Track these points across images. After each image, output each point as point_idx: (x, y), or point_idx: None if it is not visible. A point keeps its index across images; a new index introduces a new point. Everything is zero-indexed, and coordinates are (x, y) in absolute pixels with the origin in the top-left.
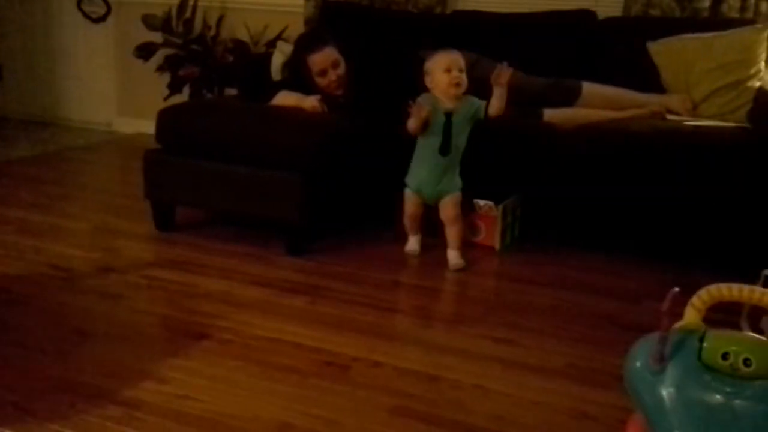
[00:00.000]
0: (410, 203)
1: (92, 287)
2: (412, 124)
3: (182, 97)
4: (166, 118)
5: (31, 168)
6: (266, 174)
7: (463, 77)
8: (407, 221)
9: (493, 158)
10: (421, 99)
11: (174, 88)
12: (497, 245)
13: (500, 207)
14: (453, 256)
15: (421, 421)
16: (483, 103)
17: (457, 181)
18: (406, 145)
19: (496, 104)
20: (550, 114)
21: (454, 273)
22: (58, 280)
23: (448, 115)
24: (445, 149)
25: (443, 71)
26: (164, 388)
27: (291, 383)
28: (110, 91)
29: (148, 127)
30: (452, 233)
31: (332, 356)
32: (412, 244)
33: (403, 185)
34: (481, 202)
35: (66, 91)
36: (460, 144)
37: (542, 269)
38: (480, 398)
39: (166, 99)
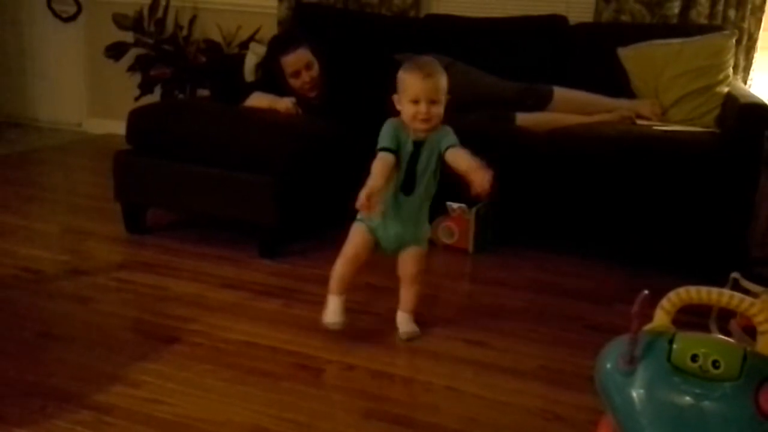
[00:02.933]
0: (358, 242)
1: (62, 290)
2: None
3: (154, 97)
4: (136, 119)
5: (0, 169)
6: (239, 176)
7: (434, 111)
8: (341, 268)
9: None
10: (386, 127)
11: (145, 88)
12: (470, 248)
13: (473, 210)
14: (404, 322)
15: (395, 424)
16: (454, 141)
17: (425, 231)
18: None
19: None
20: (523, 118)
21: (427, 276)
22: (26, 282)
23: (418, 145)
24: (408, 186)
25: (410, 101)
26: (135, 392)
27: (264, 387)
28: (81, 91)
29: (119, 127)
30: (408, 295)
31: (306, 359)
32: (333, 312)
33: (356, 214)
34: (455, 205)
35: (36, 91)
36: (428, 182)
37: (515, 272)
38: (452, 400)
39: (137, 99)
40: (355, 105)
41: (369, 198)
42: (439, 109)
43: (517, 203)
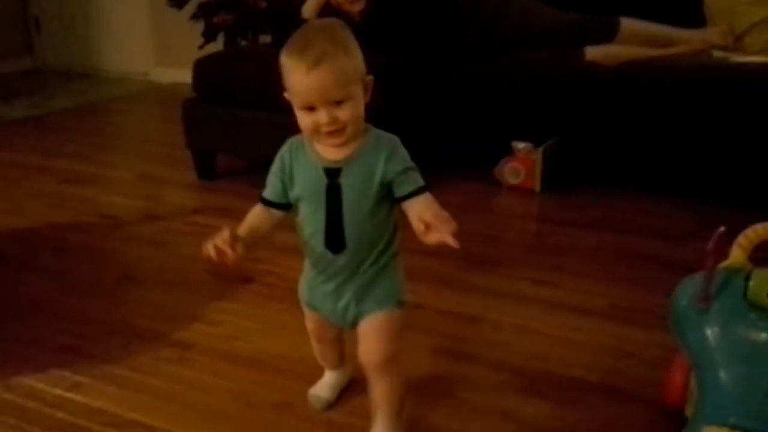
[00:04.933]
0: (307, 317)
1: (139, 234)
2: None
3: (217, 45)
4: (202, 68)
5: (73, 119)
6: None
7: (345, 115)
8: (312, 344)
9: (533, 99)
10: (277, 157)
11: (208, 36)
12: (537, 188)
13: (540, 149)
14: None
15: (463, 361)
16: (404, 168)
17: (389, 289)
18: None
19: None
20: (592, 52)
21: (495, 215)
22: (105, 227)
23: (334, 174)
24: (334, 240)
25: (301, 109)
26: (214, 330)
27: None
28: (146, 41)
29: (186, 76)
30: (380, 390)
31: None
32: (324, 386)
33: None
34: (520, 144)
35: (102, 42)
36: (369, 232)
37: (584, 211)
38: (521, 338)
39: (201, 47)
40: (404, 31)
41: (217, 247)
42: (353, 110)
43: (586, 141)
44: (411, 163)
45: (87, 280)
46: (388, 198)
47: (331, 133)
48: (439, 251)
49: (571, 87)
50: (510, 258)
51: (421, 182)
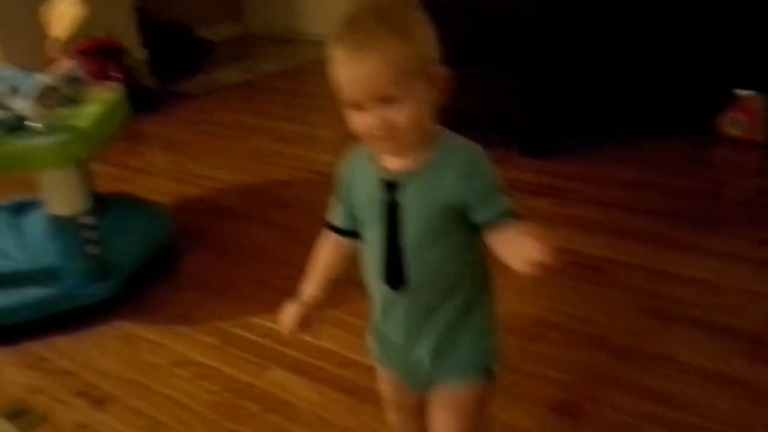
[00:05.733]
0: (380, 379)
1: None
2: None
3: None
4: None
5: (280, 82)
6: (499, 72)
7: (397, 117)
8: (391, 417)
9: (757, 37)
10: (348, 161)
11: None
12: (762, 139)
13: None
14: None
15: (682, 324)
16: (490, 188)
17: (472, 351)
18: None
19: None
20: None
21: (713, 170)
22: (318, 183)
23: (391, 188)
24: (391, 273)
25: (347, 107)
26: None
27: (542, 281)
28: (346, 5)
29: None
30: None
31: (581, 257)
32: None
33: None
34: (743, 92)
35: (305, 7)
36: (433, 263)
37: None
38: (748, 303)
39: None
40: None
41: (289, 321)
42: (411, 111)
43: None
44: (496, 181)
45: (306, 231)
46: (467, 224)
47: (380, 138)
48: (651, 208)
49: None
50: (730, 216)
51: (508, 205)
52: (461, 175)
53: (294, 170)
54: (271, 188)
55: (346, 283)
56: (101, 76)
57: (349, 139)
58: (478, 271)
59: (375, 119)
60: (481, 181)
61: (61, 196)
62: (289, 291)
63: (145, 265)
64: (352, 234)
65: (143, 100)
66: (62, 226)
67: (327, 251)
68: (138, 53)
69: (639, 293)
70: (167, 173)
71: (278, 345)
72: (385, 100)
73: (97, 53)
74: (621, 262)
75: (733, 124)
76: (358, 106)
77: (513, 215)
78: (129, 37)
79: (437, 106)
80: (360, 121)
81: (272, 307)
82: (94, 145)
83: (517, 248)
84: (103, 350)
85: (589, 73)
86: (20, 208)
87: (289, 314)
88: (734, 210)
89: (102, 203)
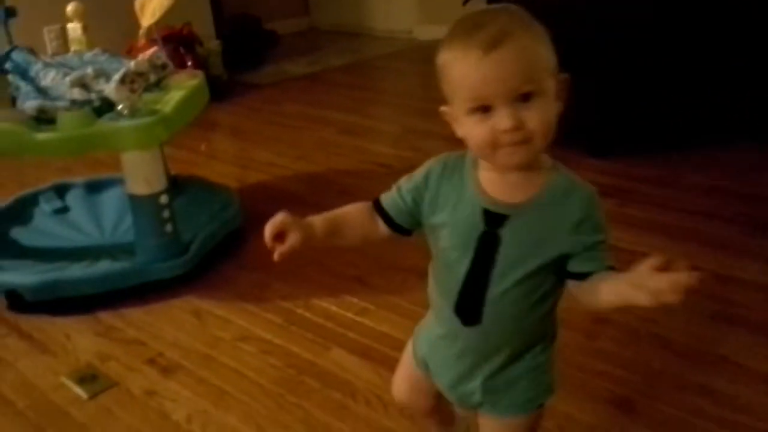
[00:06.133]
0: (403, 376)
1: None
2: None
3: (479, 2)
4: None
5: (345, 75)
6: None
7: (536, 118)
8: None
9: None
10: (420, 171)
11: None
12: None
13: None
14: None
15: (743, 327)
16: (597, 231)
17: (533, 393)
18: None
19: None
20: None
21: None
22: (381, 174)
23: (494, 219)
24: (466, 308)
25: (469, 111)
26: None
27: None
28: (410, 0)
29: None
30: None
31: (645, 258)
32: None
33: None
34: None
35: (370, 2)
36: (517, 312)
37: None
38: None
39: (465, 3)
40: None
41: (271, 238)
42: (544, 113)
43: None
44: (605, 235)
45: None
46: (559, 272)
47: (514, 145)
48: (717, 212)
49: None
50: None
51: (610, 262)
52: (575, 225)
53: (356, 161)
54: (333, 177)
55: (407, 269)
56: (177, 64)
57: (409, 133)
58: (552, 316)
59: (508, 120)
60: (595, 236)
61: (141, 176)
62: (350, 276)
63: (215, 245)
64: (392, 223)
65: (214, 89)
66: (141, 204)
67: (357, 211)
68: (212, 44)
69: (701, 296)
70: (234, 159)
71: (339, 327)
72: (523, 97)
73: (175, 42)
74: (688, 265)
75: None
76: (485, 109)
77: (612, 269)
78: (204, 27)
79: (558, 115)
80: (487, 127)
81: (334, 290)
82: (174, 129)
83: (650, 282)
84: (172, 323)
85: (661, 76)
86: (94, 186)
87: (277, 219)
88: None
89: (175, 185)
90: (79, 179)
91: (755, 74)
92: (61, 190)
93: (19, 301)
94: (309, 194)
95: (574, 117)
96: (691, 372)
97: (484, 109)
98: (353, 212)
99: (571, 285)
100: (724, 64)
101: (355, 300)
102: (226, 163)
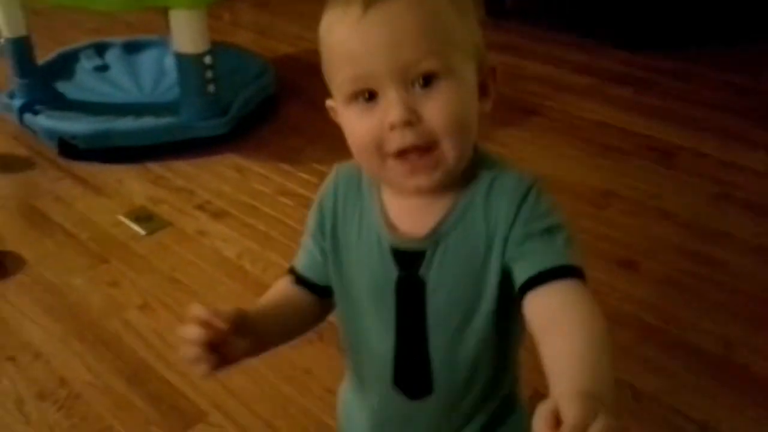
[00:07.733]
0: None
1: None
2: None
3: None
4: None
5: None
6: None
7: (440, 106)
8: None
9: None
10: (330, 181)
11: None
12: None
13: None
14: None
15: (747, 209)
16: (543, 217)
17: None
18: None
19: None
20: None
21: None
22: None
23: (407, 259)
24: (409, 379)
25: (347, 100)
26: (501, 150)
27: (616, 160)
28: None
29: None
30: None
31: (657, 142)
32: None
33: None
34: None
35: None
36: (473, 361)
37: None
38: None
39: None
40: None
41: (192, 339)
42: (455, 102)
43: None
44: (558, 220)
45: None
46: (511, 290)
47: (406, 154)
48: (729, 105)
49: None
50: None
51: (569, 258)
52: (510, 222)
53: None
54: None
55: None
56: None
57: None
58: (516, 356)
59: (398, 107)
60: (540, 221)
61: (188, 35)
62: None
63: (252, 109)
64: (315, 288)
65: None
66: (187, 63)
67: (280, 290)
68: None
69: (705, 178)
70: (262, 30)
71: None
72: (424, 80)
73: None
74: (692, 149)
75: None
76: (370, 96)
77: (570, 271)
78: None
79: (482, 115)
80: (369, 120)
81: None
82: None
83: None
84: (216, 175)
85: None
86: (132, 46)
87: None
88: None
89: (214, 50)
90: (116, 39)
91: None
92: (100, 49)
93: (72, 149)
94: None
95: (603, 7)
96: (691, 241)
97: (368, 96)
98: (280, 293)
99: (527, 307)
100: None
101: None
102: (255, 33)
